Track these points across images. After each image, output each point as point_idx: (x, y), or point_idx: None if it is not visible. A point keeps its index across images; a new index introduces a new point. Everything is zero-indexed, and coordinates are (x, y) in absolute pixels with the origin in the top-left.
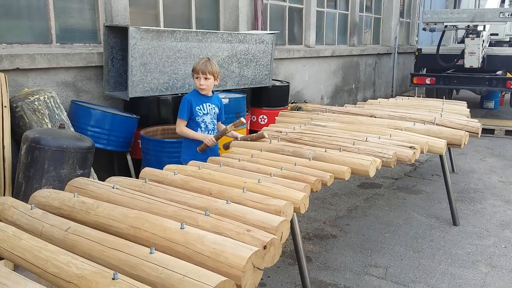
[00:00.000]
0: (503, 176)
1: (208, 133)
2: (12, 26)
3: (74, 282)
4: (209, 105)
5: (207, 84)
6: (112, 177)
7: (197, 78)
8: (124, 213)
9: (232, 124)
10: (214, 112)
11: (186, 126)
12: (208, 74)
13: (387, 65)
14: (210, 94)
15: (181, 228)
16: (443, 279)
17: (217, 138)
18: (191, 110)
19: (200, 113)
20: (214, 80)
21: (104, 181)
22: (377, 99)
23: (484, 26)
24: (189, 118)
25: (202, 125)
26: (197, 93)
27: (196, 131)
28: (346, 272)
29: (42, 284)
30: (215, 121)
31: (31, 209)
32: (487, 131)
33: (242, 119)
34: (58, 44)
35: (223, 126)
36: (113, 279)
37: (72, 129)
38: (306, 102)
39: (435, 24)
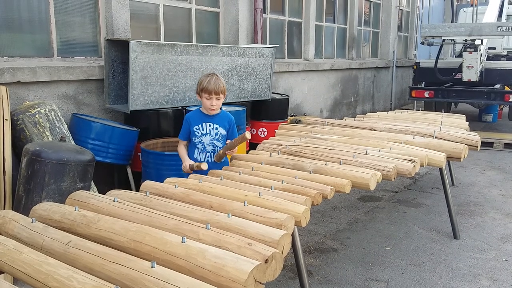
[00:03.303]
0: (503, 189)
1: (205, 155)
2: (14, 39)
3: None
4: (210, 125)
5: (218, 104)
6: (112, 190)
7: (208, 99)
8: (125, 227)
9: (196, 164)
10: (217, 133)
11: (188, 146)
12: (221, 94)
13: (386, 79)
14: (216, 112)
15: (182, 242)
16: None
17: (191, 169)
18: (189, 130)
19: (197, 133)
20: (224, 98)
21: (104, 194)
22: (376, 112)
23: (482, 40)
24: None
25: (200, 146)
26: (200, 112)
27: (193, 152)
28: (347, 286)
29: None
30: (218, 143)
31: (32, 222)
32: (486, 144)
33: (203, 166)
34: (59, 57)
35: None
36: None
37: (72, 142)
38: (305, 115)
39: (433, 38)
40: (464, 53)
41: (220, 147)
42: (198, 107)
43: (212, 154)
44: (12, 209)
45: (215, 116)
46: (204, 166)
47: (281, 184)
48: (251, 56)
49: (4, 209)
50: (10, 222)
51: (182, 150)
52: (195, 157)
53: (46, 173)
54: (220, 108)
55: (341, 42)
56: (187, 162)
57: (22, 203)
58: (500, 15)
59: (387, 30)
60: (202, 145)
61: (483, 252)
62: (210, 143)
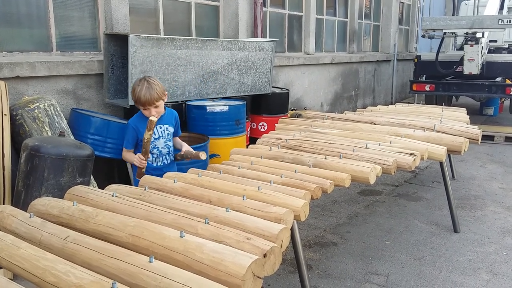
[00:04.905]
0: (504, 182)
1: (162, 158)
2: (13, 34)
3: None
4: (161, 127)
5: (158, 111)
6: (111, 185)
7: (145, 109)
8: (123, 222)
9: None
10: (168, 134)
11: (135, 153)
12: (156, 102)
13: (387, 72)
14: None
15: (180, 237)
16: (444, 287)
17: (144, 154)
18: (137, 138)
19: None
20: (163, 100)
21: (104, 189)
22: (376, 106)
23: (483, 33)
24: (136, 145)
25: (155, 151)
26: (144, 115)
27: (148, 158)
28: (347, 280)
29: None
30: (170, 143)
31: (30, 217)
32: (487, 138)
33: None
34: (59, 52)
35: (184, 145)
36: None
37: (72, 137)
38: (306, 109)
39: (434, 31)
40: (465, 46)
41: (171, 146)
42: (140, 111)
43: (168, 156)
44: (12, 204)
45: (162, 117)
46: (203, 156)
47: (281, 178)
48: (251, 50)
49: (3, 204)
50: (8, 217)
51: (128, 153)
52: (150, 163)
53: (45, 168)
54: (164, 107)
55: (341, 35)
56: (135, 157)
57: (21, 198)
58: (501, 7)
59: (388, 23)
60: (157, 149)
61: (483, 246)
62: (165, 145)
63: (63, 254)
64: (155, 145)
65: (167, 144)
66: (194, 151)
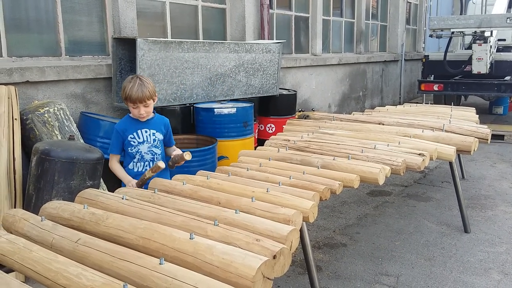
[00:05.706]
0: None
1: (144, 164)
2: (22, 39)
3: None
4: (146, 131)
5: (147, 111)
6: (121, 188)
7: (135, 107)
8: (134, 224)
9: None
10: (154, 139)
11: (121, 158)
12: (148, 100)
13: (394, 72)
14: (149, 117)
15: (190, 239)
16: (455, 287)
17: (139, 186)
18: (123, 142)
19: (134, 142)
20: (154, 101)
21: (113, 191)
22: (385, 106)
23: (491, 32)
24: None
25: (137, 156)
26: (131, 119)
27: (129, 163)
28: (357, 281)
29: None
30: (156, 149)
31: (41, 221)
32: (496, 137)
33: (160, 164)
34: (67, 56)
35: (178, 151)
36: None
37: (81, 140)
38: (313, 110)
39: (441, 30)
40: (474, 45)
41: (159, 154)
42: (129, 114)
43: (151, 162)
44: (23, 208)
45: (150, 121)
46: (161, 164)
47: (289, 180)
48: (258, 52)
49: (15, 208)
50: (20, 220)
51: (119, 169)
52: (131, 168)
53: (55, 171)
54: (154, 111)
55: (348, 36)
56: (133, 182)
57: (32, 202)
58: (510, 6)
59: (395, 23)
60: (140, 154)
61: (494, 246)
62: (149, 151)
63: (74, 257)
64: (138, 149)
65: (152, 150)
66: (180, 153)
